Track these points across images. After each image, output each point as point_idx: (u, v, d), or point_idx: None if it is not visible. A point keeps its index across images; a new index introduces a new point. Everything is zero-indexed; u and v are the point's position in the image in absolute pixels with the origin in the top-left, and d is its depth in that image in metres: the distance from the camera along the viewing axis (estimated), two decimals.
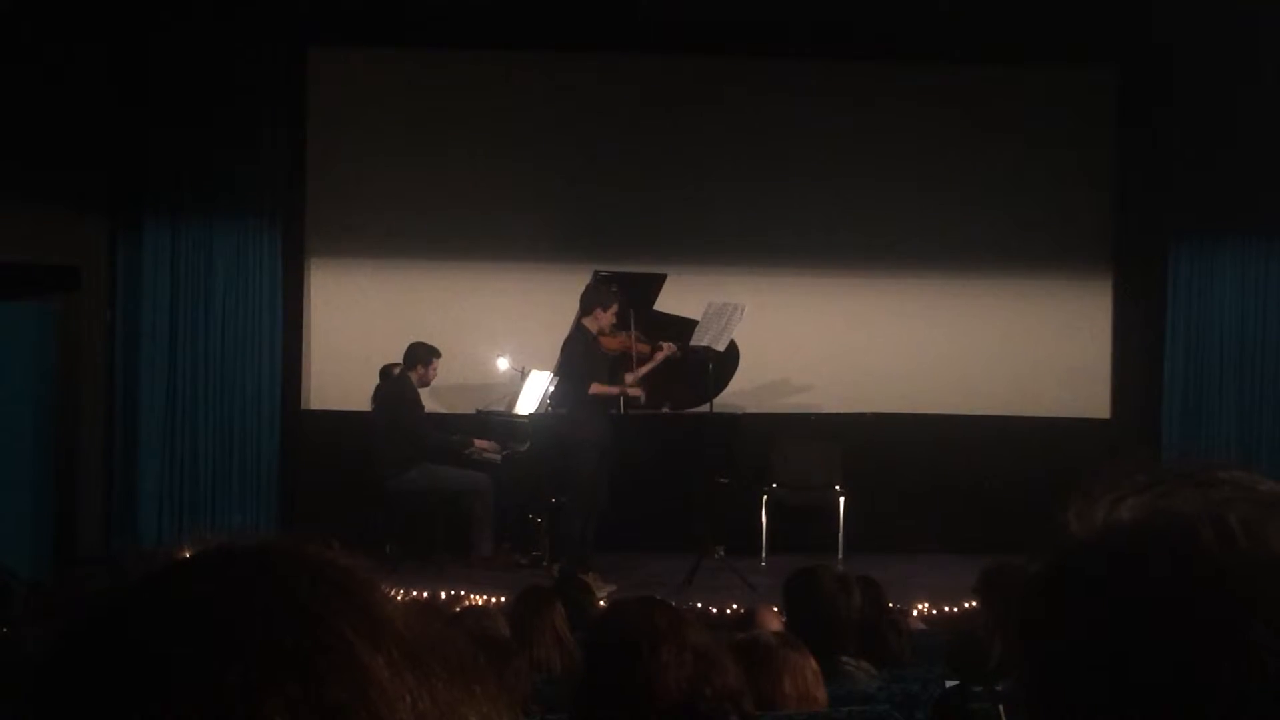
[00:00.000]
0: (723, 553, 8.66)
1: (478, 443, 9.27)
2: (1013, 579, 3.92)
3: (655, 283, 9.25)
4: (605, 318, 8.62)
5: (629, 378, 8.83)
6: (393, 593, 0.77)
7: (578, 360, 8.56)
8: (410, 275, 10.24)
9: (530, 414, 9.26)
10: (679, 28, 9.94)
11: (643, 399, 8.85)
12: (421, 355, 9.18)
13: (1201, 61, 9.83)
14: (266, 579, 0.73)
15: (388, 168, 10.17)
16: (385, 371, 9.26)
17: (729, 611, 7.65)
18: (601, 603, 6.76)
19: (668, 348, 8.96)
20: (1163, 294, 10.17)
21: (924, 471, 9.90)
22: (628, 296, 8.89)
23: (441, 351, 9.29)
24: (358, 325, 10.10)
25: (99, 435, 9.66)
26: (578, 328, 8.62)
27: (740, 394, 9.72)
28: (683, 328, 9.05)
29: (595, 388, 8.54)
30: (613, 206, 10.22)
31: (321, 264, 10.25)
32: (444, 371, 9.46)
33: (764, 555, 9.38)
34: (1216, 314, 10.08)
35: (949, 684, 3.67)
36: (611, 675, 2.78)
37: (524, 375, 9.56)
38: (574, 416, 8.56)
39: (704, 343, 8.82)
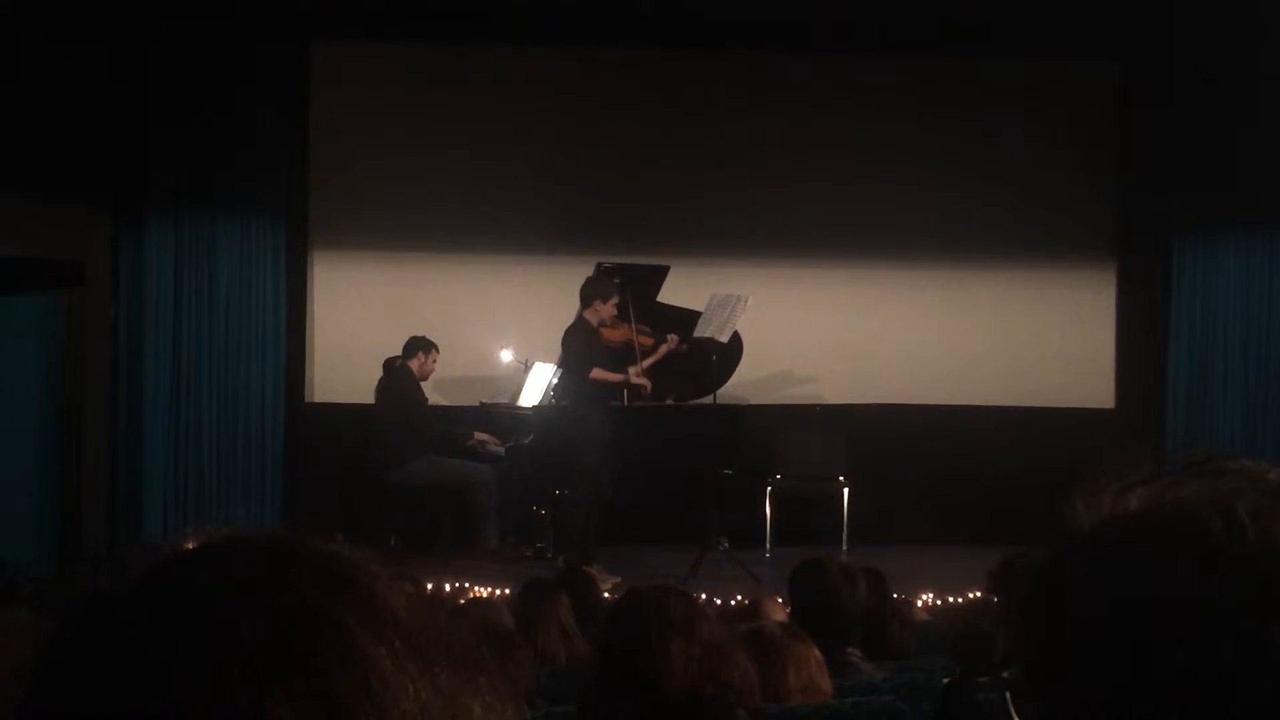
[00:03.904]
0: (727, 544, 8.66)
1: (478, 435, 9.28)
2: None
3: (658, 274, 9.24)
4: (606, 310, 8.61)
5: (634, 369, 8.82)
6: (402, 584, 0.76)
7: (579, 353, 8.56)
8: (414, 268, 10.24)
9: (534, 406, 9.26)
10: (681, 22, 9.93)
11: (647, 389, 8.83)
12: (421, 345, 9.22)
13: (1205, 52, 9.81)
14: (269, 572, 0.73)
15: (391, 161, 10.16)
16: (388, 364, 9.28)
17: (734, 603, 7.64)
18: (606, 595, 6.76)
19: (671, 340, 8.95)
20: (1166, 284, 10.16)
21: (928, 462, 9.90)
22: (631, 288, 8.88)
23: (444, 344, 9.31)
24: (361, 318, 10.11)
25: (103, 430, 9.67)
26: (579, 320, 8.62)
27: (744, 385, 9.72)
28: (686, 319, 9.04)
29: (596, 372, 8.52)
30: (616, 198, 10.22)
31: (324, 257, 10.25)
32: (448, 364, 9.47)
33: (768, 547, 9.38)
34: (1220, 304, 10.07)
35: (946, 679, 3.67)
36: (620, 663, 2.78)
37: (527, 367, 9.57)
38: (577, 409, 8.56)
39: (707, 334, 8.81)
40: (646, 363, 8.88)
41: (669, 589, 3.01)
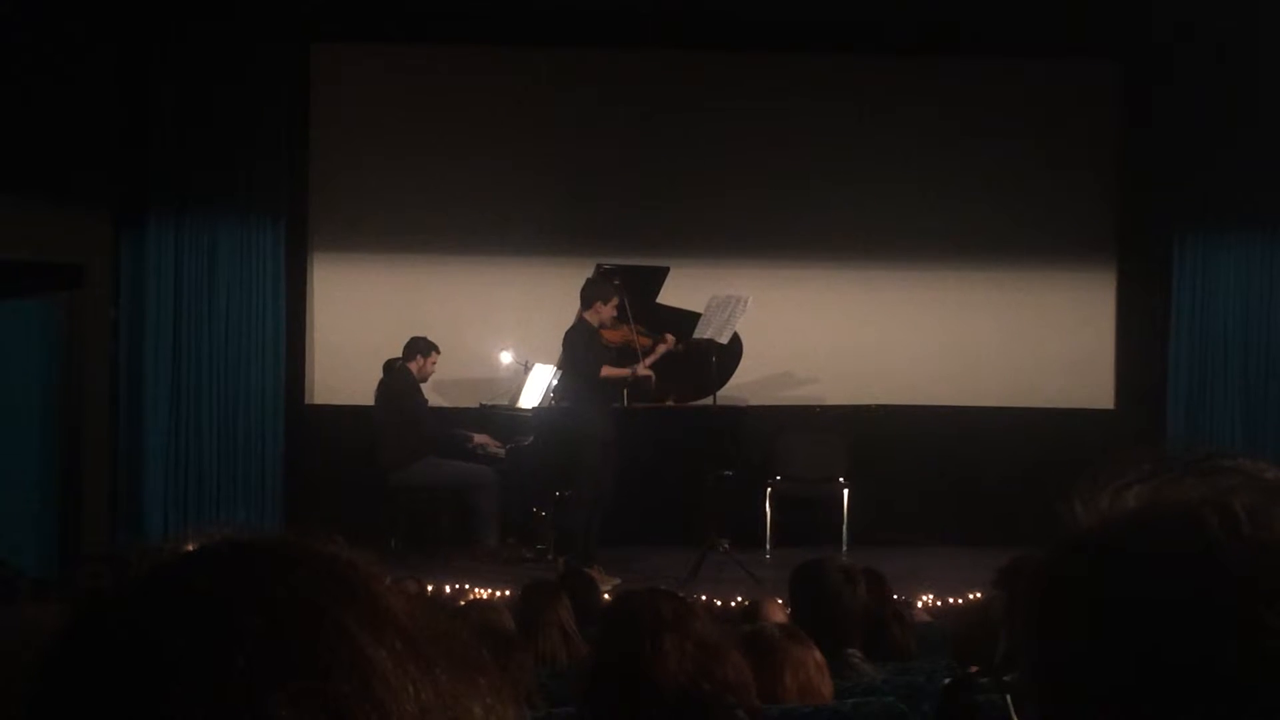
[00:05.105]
0: (727, 546, 8.66)
1: (477, 438, 9.28)
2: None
3: (658, 275, 9.25)
4: (605, 311, 8.62)
5: (639, 365, 8.81)
6: (403, 585, 0.76)
7: (580, 354, 8.56)
8: (413, 269, 10.25)
9: (534, 408, 9.26)
10: (682, 23, 9.93)
11: (653, 381, 8.82)
12: (420, 347, 9.22)
13: (1205, 52, 9.82)
14: (270, 573, 0.73)
15: (391, 163, 10.17)
16: (388, 365, 9.28)
17: (733, 604, 7.64)
18: (606, 596, 6.76)
19: (669, 340, 8.96)
20: (1167, 284, 10.16)
21: (928, 463, 9.90)
22: (631, 290, 8.88)
23: (444, 346, 9.31)
24: (361, 320, 10.11)
25: (103, 432, 9.67)
26: (579, 321, 8.63)
27: (744, 386, 9.72)
28: (686, 321, 9.05)
29: (606, 370, 8.54)
30: (616, 200, 10.22)
31: (325, 259, 10.26)
32: (448, 366, 9.46)
33: (768, 548, 9.38)
34: (1221, 304, 10.07)
35: (946, 680, 3.66)
36: (616, 665, 2.79)
37: (527, 369, 9.57)
38: (577, 410, 8.56)
39: (707, 335, 8.82)
40: (646, 362, 8.88)
41: (659, 590, 3.04)
